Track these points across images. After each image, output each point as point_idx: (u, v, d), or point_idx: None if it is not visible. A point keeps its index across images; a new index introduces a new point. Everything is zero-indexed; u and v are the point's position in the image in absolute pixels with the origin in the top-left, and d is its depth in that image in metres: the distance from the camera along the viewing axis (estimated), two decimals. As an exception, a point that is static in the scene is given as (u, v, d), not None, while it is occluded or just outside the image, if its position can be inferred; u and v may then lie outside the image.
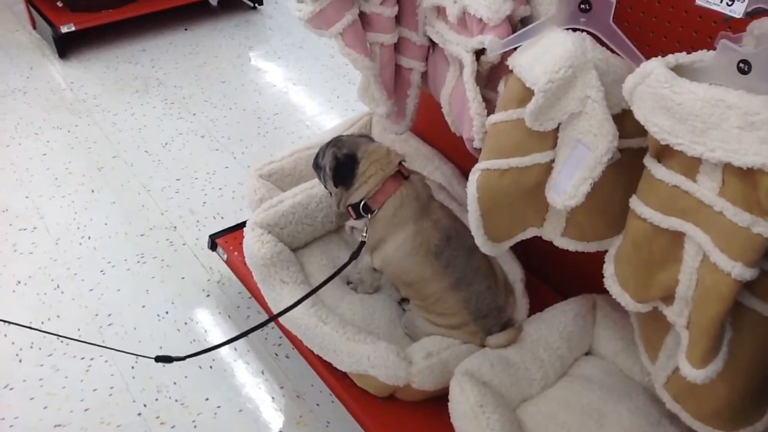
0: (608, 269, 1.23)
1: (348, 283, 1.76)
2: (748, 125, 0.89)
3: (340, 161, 1.59)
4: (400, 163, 1.61)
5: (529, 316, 1.61)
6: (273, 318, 1.54)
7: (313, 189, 1.84)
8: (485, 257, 1.57)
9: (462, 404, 1.35)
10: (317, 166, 1.70)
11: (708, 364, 1.03)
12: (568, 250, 1.32)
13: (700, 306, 1.03)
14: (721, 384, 1.07)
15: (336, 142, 1.66)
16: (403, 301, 1.70)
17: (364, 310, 1.67)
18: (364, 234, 1.58)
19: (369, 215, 1.57)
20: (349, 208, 1.62)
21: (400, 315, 1.69)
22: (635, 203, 1.12)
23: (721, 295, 0.98)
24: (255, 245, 1.69)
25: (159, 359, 1.41)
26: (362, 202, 1.58)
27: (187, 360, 1.43)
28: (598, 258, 1.27)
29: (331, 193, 1.69)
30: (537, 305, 1.63)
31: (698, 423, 1.19)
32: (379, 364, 1.49)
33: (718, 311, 0.99)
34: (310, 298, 1.61)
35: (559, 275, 1.79)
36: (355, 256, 1.58)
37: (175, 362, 1.41)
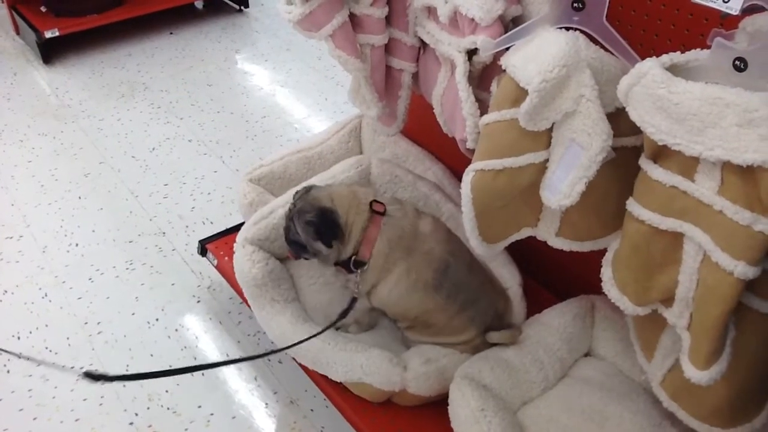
0: (606, 273, 1.21)
1: (336, 329, 1.60)
2: (746, 123, 0.88)
3: (318, 222, 1.47)
4: (373, 201, 1.51)
5: (527, 319, 1.60)
6: (280, 350, 1.49)
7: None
8: (482, 267, 1.55)
9: (463, 408, 1.33)
10: (292, 243, 1.56)
11: (712, 365, 1.02)
12: (564, 251, 1.31)
13: (703, 307, 1.02)
14: (720, 382, 1.06)
15: (296, 213, 1.51)
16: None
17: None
18: (356, 290, 1.50)
19: (361, 270, 1.49)
20: (338, 266, 1.54)
21: (391, 323, 1.66)
22: (632, 206, 1.10)
23: (724, 295, 0.97)
24: (246, 264, 1.64)
25: (89, 376, 1.29)
26: (352, 258, 1.49)
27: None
28: (596, 259, 1.26)
29: (324, 259, 1.55)
30: (535, 308, 1.61)
31: (696, 422, 1.18)
32: (372, 372, 1.47)
33: (721, 311, 0.98)
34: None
35: (556, 277, 1.78)
36: (345, 313, 1.51)
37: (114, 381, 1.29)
